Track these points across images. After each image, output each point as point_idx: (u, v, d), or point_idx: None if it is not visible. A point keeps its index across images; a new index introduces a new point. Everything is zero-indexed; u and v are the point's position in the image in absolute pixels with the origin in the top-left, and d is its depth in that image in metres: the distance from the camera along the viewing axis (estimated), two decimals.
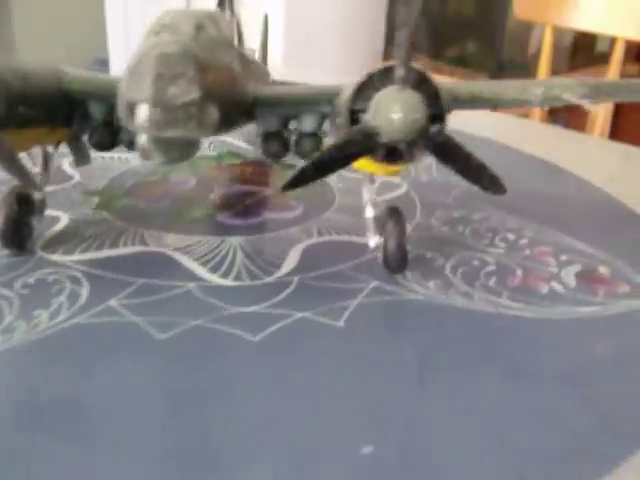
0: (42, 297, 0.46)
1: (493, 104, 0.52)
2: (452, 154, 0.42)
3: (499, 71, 2.05)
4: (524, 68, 1.82)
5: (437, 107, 0.41)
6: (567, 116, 1.84)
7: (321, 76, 0.73)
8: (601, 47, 2.09)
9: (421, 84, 0.41)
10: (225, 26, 0.47)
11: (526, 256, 0.55)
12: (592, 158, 0.83)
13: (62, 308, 0.45)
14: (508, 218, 0.61)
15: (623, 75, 1.27)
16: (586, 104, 0.50)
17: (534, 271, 0.52)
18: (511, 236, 0.58)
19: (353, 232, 0.56)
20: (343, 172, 0.51)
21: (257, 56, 0.77)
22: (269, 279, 0.49)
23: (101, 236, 0.54)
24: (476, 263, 0.53)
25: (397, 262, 0.49)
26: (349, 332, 0.44)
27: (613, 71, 1.23)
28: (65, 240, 0.54)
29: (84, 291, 0.47)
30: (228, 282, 0.49)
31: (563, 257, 0.55)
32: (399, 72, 0.40)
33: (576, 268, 0.53)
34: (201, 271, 0.50)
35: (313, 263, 0.52)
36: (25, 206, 0.50)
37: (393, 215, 0.49)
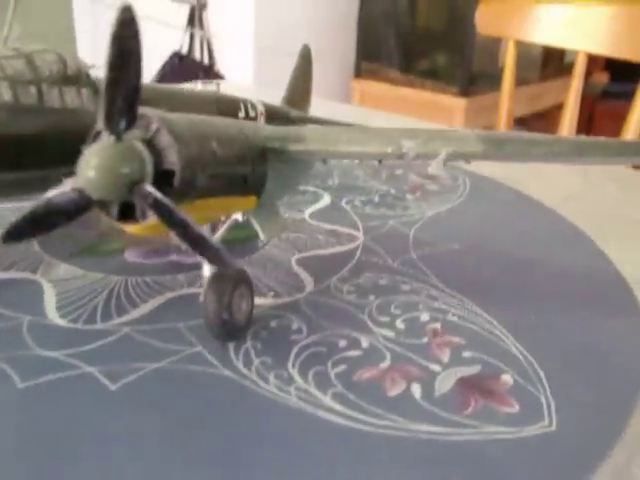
0: None
1: (352, 157, 0.42)
2: (169, 218, 0.34)
3: (470, 83, 2.01)
4: (494, 79, 1.70)
5: (168, 163, 0.35)
6: (540, 126, 1.80)
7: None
8: (570, 57, 2.00)
9: (154, 136, 0.35)
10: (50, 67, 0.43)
11: (417, 345, 0.43)
12: (551, 174, 0.78)
13: None
14: (442, 295, 0.49)
15: (591, 85, 1.34)
16: (438, 170, 0.38)
17: (405, 366, 0.41)
18: (425, 317, 0.46)
19: None
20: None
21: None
22: (101, 325, 0.45)
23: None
24: (342, 344, 0.43)
25: (212, 331, 0.42)
26: (113, 398, 0.38)
27: (576, 84, 1.20)
28: None
29: None
30: (62, 322, 0.45)
31: (467, 354, 0.43)
32: (109, 122, 0.33)
33: (470, 370, 0.41)
34: (50, 307, 0.47)
35: (160, 315, 0.46)
36: None
37: (214, 280, 0.42)
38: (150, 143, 0.34)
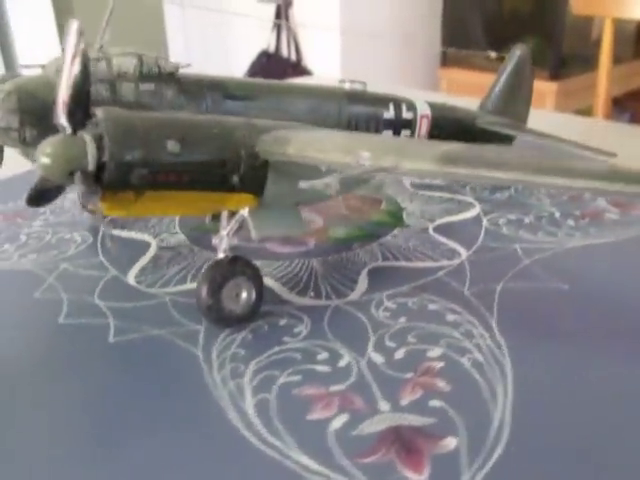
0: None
1: (322, 164, 0.39)
2: None
3: (560, 66, 1.98)
4: (586, 60, 1.66)
5: (104, 157, 0.37)
6: (634, 106, 1.97)
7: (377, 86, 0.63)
8: None
9: (102, 132, 0.38)
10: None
11: (393, 378, 0.38)
12: None
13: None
14: (484, 335, 0.42)
15: None
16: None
17: (355, 395, 0.37)
18: (436, 353, 0.40)
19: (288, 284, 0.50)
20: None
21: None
22: (155, 290, 0.50)
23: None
24: (321, 357, 0.40)
25: (201, 314, 0.44)
26: (107, 348, 0.43)
27: None
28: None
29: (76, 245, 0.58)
30: (132, 282, 0.51)
31: (436, 403, 0.36)
32: (66, 118, 0.37)
33: (418, 421, 0.35)
34: (136, 267, 0.53)
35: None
36: None
37: (209, 267, 0.44)
38: (99, 138, 0.38)
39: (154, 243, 0.58)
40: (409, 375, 0.39)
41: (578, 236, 0.56)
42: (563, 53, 2.02)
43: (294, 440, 0.34)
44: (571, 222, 0.59)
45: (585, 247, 0.54)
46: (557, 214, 0.61)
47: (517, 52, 0.75)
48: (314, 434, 0.35)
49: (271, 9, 2.33)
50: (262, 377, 0.39)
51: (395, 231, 0.58)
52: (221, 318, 0.44)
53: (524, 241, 0.55)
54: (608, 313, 0.45)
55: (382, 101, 0.61)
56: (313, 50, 2.32)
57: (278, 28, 2.34)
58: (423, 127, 0.64)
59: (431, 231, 0.58)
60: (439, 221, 0.60)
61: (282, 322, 0.45)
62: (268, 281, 0.50)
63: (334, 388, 0.38)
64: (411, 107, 0.63)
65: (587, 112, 1.39)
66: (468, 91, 2.18)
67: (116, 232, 0.60)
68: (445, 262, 0.52)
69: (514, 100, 0.75)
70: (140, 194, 0.39)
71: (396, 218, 0.61)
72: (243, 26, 2.28)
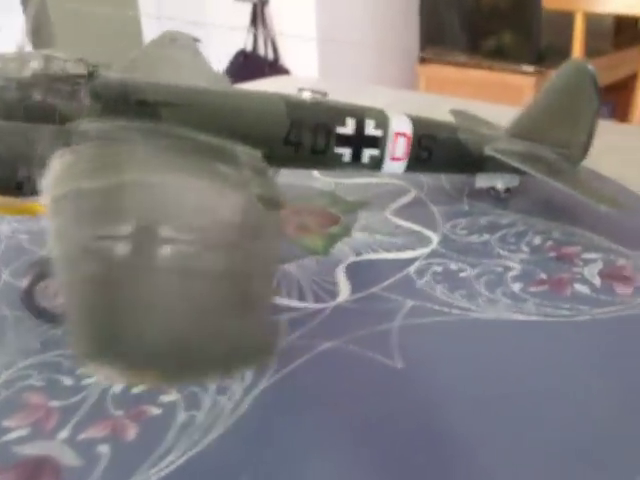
0: None
1: None
2: None
3: (539, 60, 1.98)
4: (566, 54, 1.44)
5: None
6: (614, 98, 1.88)
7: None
8: None
9: None
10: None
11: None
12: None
13: None
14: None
15: None
16: None
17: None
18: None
19: None
20: None
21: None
22: None
23: None
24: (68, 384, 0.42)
25: None
26: None
27: None
28: None
29: None
30: None
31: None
32: None
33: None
34: None
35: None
36: None
37: (31, 263, 0.47)
38: None
39: None
40: (119, 412, 0.39)
41: (500, 306, 0.47)
42: (541, 47, 2.01)
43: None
44: (516, 286, 0.50)
45: (487, 322, 0.46)
46: (513, 272, 0.52)
47: (572, 67, 0.63)
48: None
49: (247, 8, 2.37)
50: (20, 374, 0.42)
51: (307, 259, 0.55)
52: (36, 312, 0.47)
53: (428, 297, 0.48)
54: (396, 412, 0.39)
55: (337, 114, 0.55)
56: (290, 49, 2.34)
57: (255, 27, 2.39)
58: (398, 147, 0.58)
59: (343, 265, 0.54)
60: (367, 256, 0.55)
61: None
62: None
63: (53, 403, 0.40)
64: (382, 123, 0.57)
65: None
66: (448, 88, 2.13)
67: None
68: (310, 305, 0.48)
69: (560, 128, 0.63)
70: None
71: (328, 244, 0.57)
72: (220, 27, 2.28)
